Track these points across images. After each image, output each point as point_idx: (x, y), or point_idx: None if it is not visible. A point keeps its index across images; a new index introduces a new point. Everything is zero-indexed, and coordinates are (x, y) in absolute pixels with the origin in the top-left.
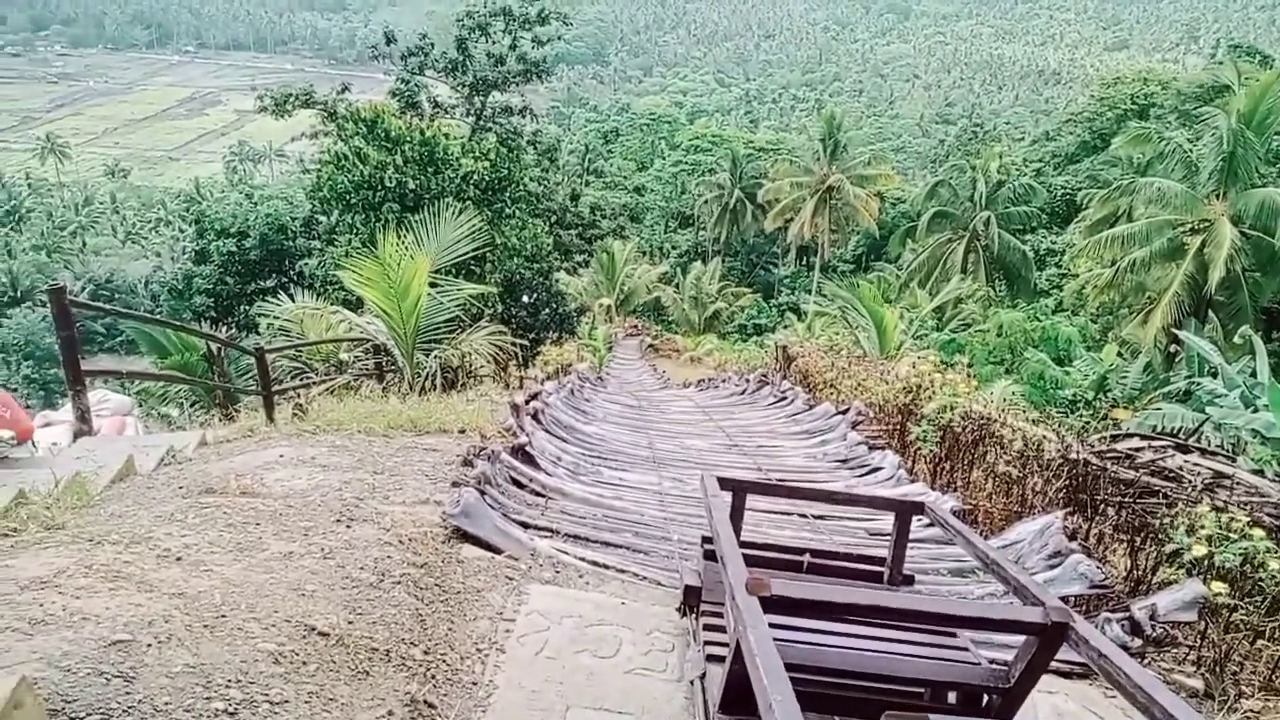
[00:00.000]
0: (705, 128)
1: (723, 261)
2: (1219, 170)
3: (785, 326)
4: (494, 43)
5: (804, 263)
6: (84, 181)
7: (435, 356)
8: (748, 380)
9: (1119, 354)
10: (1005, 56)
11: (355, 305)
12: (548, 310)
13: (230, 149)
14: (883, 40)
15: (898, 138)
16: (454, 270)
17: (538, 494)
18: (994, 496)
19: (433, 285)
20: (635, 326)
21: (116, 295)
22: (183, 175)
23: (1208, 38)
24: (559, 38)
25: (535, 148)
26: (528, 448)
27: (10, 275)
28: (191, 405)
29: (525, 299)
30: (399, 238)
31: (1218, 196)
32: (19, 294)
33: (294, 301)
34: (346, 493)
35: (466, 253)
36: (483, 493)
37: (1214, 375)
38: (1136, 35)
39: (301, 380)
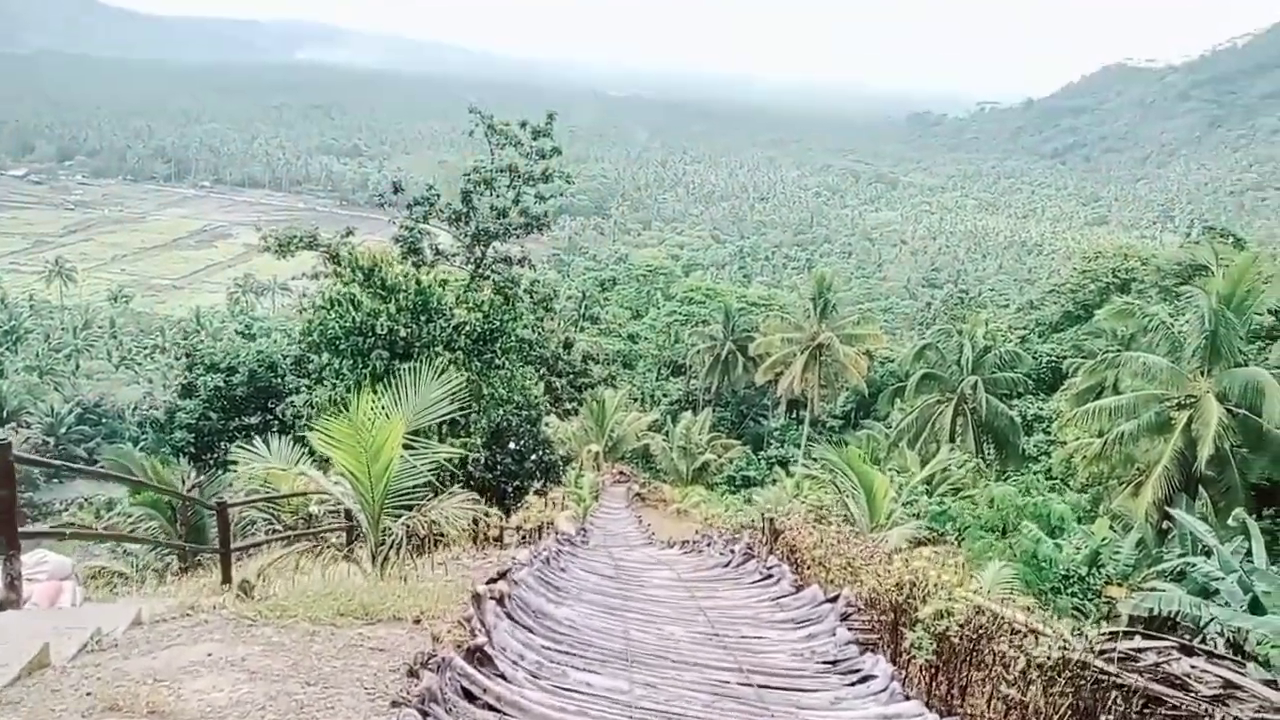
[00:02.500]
0: (700, 281)
1: (713, 411)
2: (1202, 348)
3: (774, 482)
4: (498, 196)
5: (794, 416)
6: (86, 305)
7: (403, 523)
8: (733, 550)
9: (1110, 527)
10: (989, 227)
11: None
12: (534, 457)
13: (235, 281)
14: (871, 207)
15: (885, 299)
16: (434, 427)
17: (490, 707)
18: None
19: (407, 447)
20: (623, 473)
21: (104, 420)
22: (186, 304)
23: (1182, 217)
24: (561, 194)
25: (531, 296)
26: (486, 647)
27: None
28: (152, 551)
29: (511, 445)
30: (382, 389)
31: (1202, 373)
32: (5, 414)
33: (271, 447)
34: (269, 715)
35: (447, 413)
36: (425, 714)
37: (1208, 554)
38: (1115, 212)
39: (271, 531)
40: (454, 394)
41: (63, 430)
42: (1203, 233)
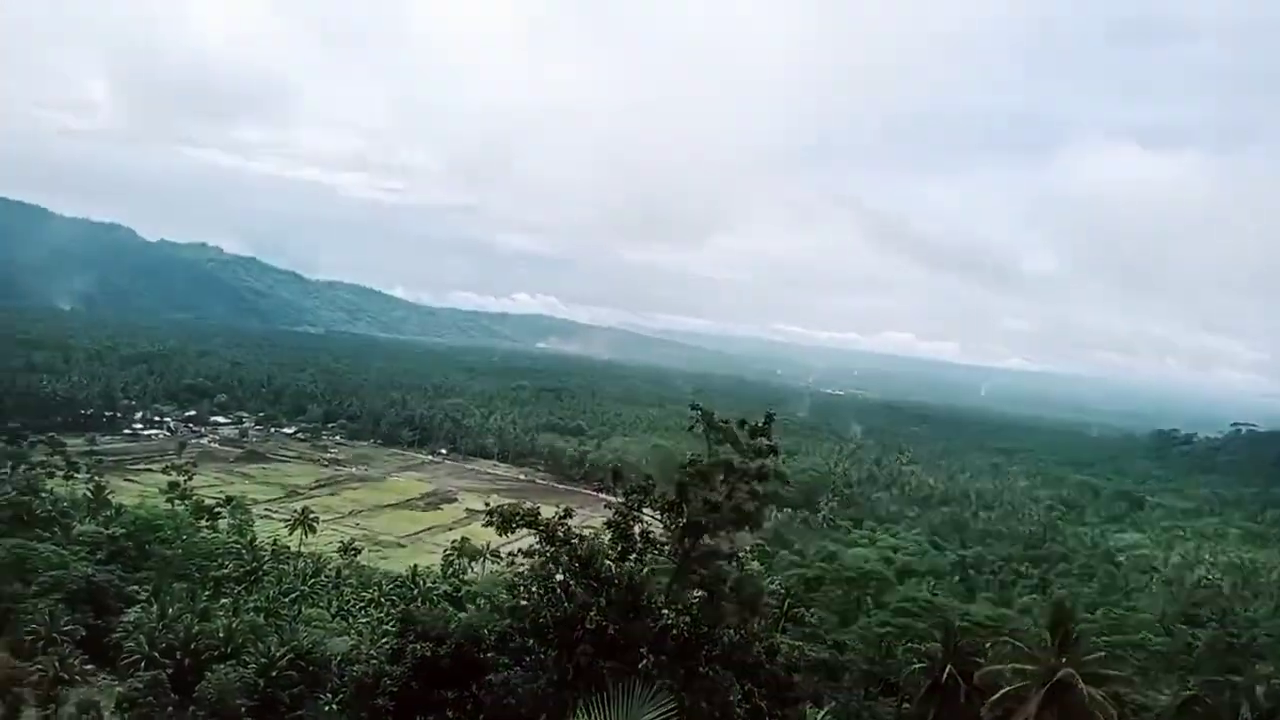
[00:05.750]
0: (917, 591)
1: None
2: None
3: None
4: (712, 490)
5: None
6: (318, 554)
7: None
8: None
9: None
10: (1259, 561)
11: None
12: None
13: (452, 544)
14: (1114, 526)
15: (1136, 633)
16: None
17: None
18: None
19: None
20: None
21: (311, 668)
22: (405, 560)
23: None
24: (776, 493)
25: (737, 595)
26: None
27: (229, 631)
28: None
29: None
30: (588, 687)
31: None
32: (229, 650)
33: None
34: None
35: None
36: None
37: None
38: None
39: None
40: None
41: (274, 673)
42: None
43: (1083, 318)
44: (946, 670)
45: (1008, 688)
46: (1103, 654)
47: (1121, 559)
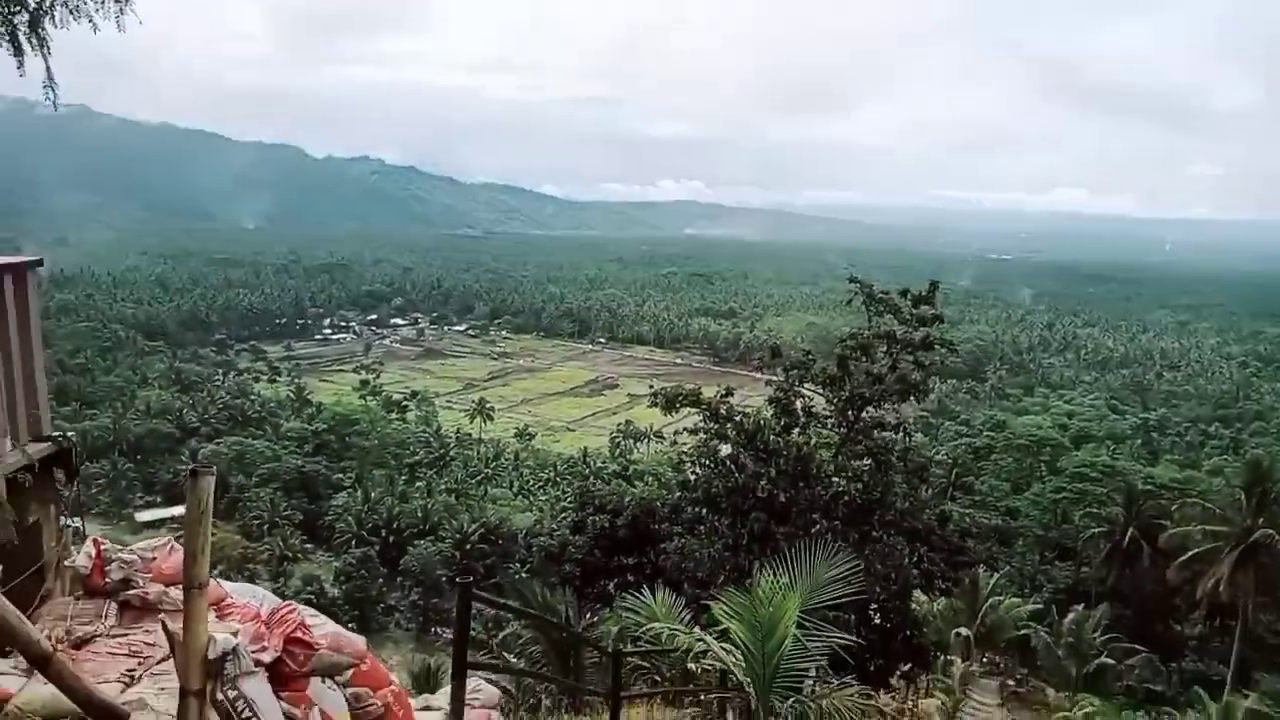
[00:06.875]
0: (1095, 455)
1: (1110, 608)
2: None
3: (1190, 705)
4: (874, 362)
5: (1217, 625)
6: (497, 440)
7: (792, 706)
8: None
9: None
10: None
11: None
12: (900, 637)
13: (617, 427)
14: None
15: None
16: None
17: None
18: None
19: (800, 625)
20: (996, 664)
21: (500, 541)
22: (575, 444)
23: None
24: (943, 362)
25: (905, 464)
26: None
27: (425, 511)
28: (544, 688)
29: (876, 620)
30: (763, 551)
31: None
32: (427, 527)
33: (655, 596)
34: None
35: (836, 597)
36: None
37: None
38: None
39: (651, 681)
40: (848, 578)
41: (468, 546)
42: None
43: None
44: (1128, 533)
45: (1196, 550)
46: None
47: None
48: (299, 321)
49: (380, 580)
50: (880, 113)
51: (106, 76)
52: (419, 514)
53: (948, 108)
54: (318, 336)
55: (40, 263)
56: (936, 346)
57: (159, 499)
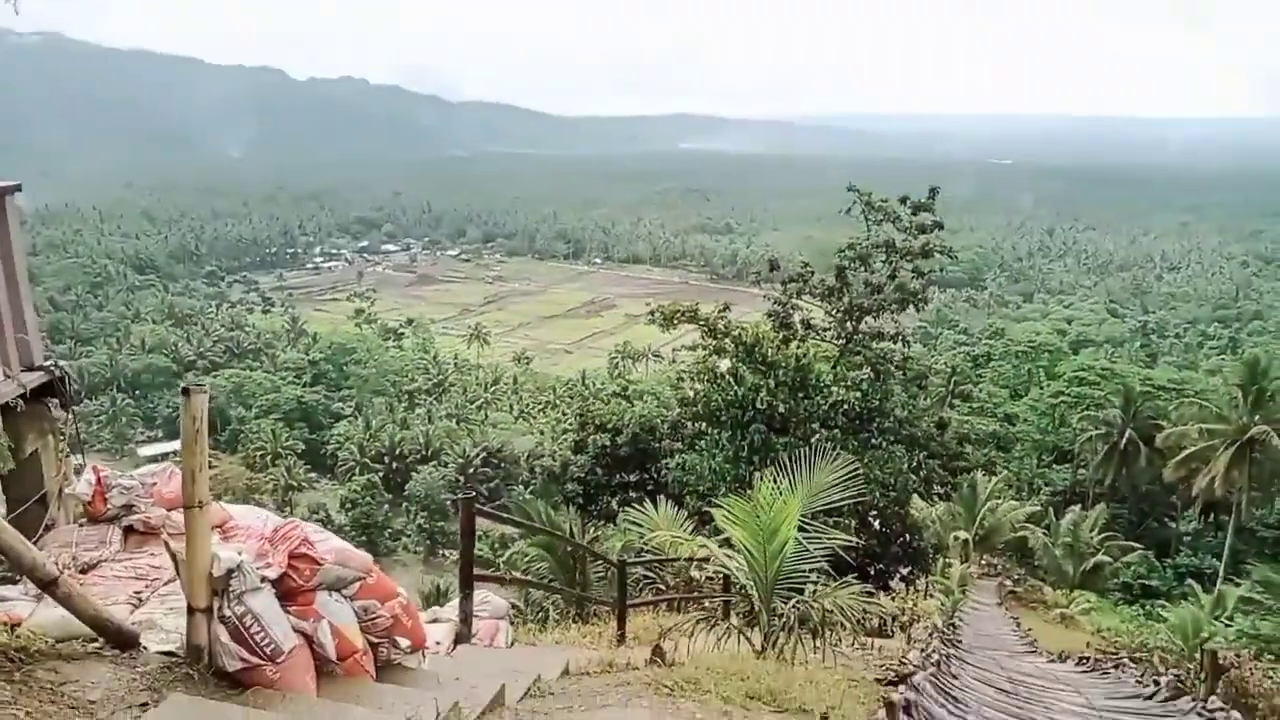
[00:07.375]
0: (1093, 359)
1: (1107, 507)
2: None
3: (1184, 596)
4: (873, 272)
5: (1210, 520)
6: (495, 365)
7: (794, 607)
8: (1155, 681)
9: None
10: None
11: (705, 520)
12: (900, 542)
13: (616, 347)
14: None
15: None
16: (820, 515)
17: None
18: None
19: (800, 529)
20: (993, 566)
21: (503, 464)
22: (573, 366)
23: None
24: (942, 270)
25: (904, 373)
26: None
27: (427, 437)
28: (550, 600)
29: (876, 525)
30: (776, 469)
31: None
32: (429, 453)
33: (658, 509)
34: None
35: (835, 501)
36: None
37: None
38: None
39: (655, 590)
40: (847, 482)
41: (470, 470)
42: None
43: None
44: (1126, 434)
45: (1193, 448)
46: None
47: None
48: (289, 251)
49: (385, 506)
50: (879, 22)
51: (78, 1)
52: (421, 440)
53: (934, 14)
54: (309, 265)
55: (18, 187)
56: (936, 254)
57: (160, 434)
